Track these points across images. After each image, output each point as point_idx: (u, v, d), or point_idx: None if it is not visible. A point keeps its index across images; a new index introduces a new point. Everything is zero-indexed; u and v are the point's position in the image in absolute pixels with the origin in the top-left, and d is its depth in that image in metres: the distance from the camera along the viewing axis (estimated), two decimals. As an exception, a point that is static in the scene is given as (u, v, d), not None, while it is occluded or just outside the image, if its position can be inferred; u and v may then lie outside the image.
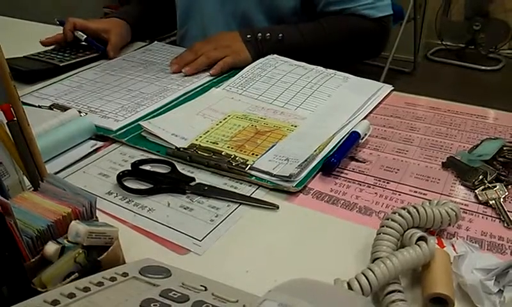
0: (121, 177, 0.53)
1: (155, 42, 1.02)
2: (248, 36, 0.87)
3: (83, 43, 0.95)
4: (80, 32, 0.95)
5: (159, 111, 0.70)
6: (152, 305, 0.28)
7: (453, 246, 0.43)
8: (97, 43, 0.94)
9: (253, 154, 0.57)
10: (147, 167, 0.57)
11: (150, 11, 1.10)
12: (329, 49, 0.93)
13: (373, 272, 0.36)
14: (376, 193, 0.52)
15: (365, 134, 0.61)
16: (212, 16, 0.99)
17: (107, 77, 0.84)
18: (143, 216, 0.49)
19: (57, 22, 1.01)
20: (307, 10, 0.96)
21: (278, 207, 0.50)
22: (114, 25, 0.98)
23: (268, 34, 0.88)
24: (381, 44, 1.02)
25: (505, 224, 0.46)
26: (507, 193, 0.50)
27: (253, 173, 0.54)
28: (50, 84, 0.81)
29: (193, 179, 0.54)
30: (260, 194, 0.52)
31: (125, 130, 0.65)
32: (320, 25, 0.93)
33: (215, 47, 0.86)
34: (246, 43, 0.87)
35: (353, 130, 0.60)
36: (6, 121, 0.38)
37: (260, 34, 0.88)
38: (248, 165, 0.55)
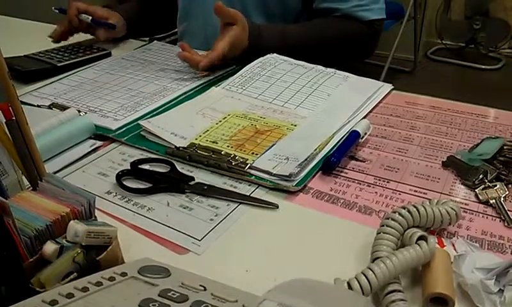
0: (120, 176, 0.53)
1: (155, 41, 1.02)
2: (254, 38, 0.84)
3: (90, 23, 0.96)
4: (84, 15, 0.95)
5: (159, 110, 0.70)
6: (150, 305, 0.27)
7: (453, 245, 0.43)
8: (105, 21, 0.94)
9: (252, 153, 0.57)
10: (146, 167, 0.56)
11: (148, 10, 1.11)
12: (319, 52, 0.92)
13: (373, 272, 0.36)
14: (376, 192, 0.52)
15: (365, 133, 0.61)
16: (212, 12, 0.99)
17: (106, 76, 0.83)
18: (142, 215, 0.49)
19: (56, 10, 1.01)
20: (308, 8, 0.96)
21: (277, 206, 0.50)
22: (113, 14, 1.00)
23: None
24: (371, 47, 1.02)
25: (506, 224, 0.46)
26: (507, 192, 0.50)
27: (252, 172, 0.54)
28: (50, 83, 0.81)
29: (193, 178, 0.54)
30: (260, 194, 0.52)
31: (124, 129, 0.65)
32: (312, 29, 0.92)
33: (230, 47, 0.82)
34: (249, 48, 0.84)
35: (353, 129, 0.60)
36: (5, 120, 0.38)
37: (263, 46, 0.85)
38: (247, 164, 0.55)
